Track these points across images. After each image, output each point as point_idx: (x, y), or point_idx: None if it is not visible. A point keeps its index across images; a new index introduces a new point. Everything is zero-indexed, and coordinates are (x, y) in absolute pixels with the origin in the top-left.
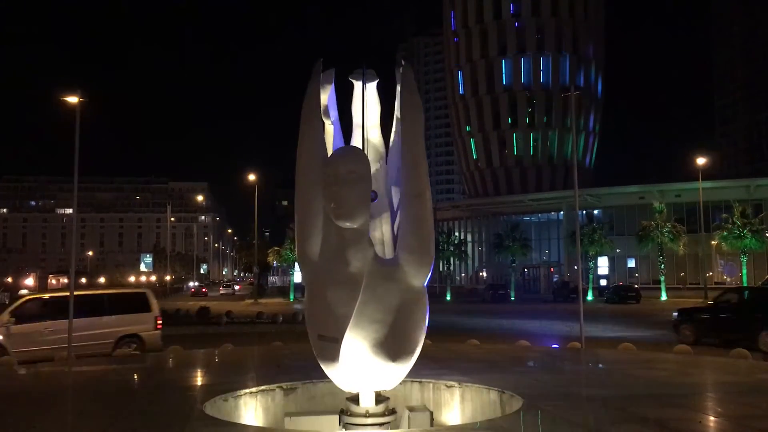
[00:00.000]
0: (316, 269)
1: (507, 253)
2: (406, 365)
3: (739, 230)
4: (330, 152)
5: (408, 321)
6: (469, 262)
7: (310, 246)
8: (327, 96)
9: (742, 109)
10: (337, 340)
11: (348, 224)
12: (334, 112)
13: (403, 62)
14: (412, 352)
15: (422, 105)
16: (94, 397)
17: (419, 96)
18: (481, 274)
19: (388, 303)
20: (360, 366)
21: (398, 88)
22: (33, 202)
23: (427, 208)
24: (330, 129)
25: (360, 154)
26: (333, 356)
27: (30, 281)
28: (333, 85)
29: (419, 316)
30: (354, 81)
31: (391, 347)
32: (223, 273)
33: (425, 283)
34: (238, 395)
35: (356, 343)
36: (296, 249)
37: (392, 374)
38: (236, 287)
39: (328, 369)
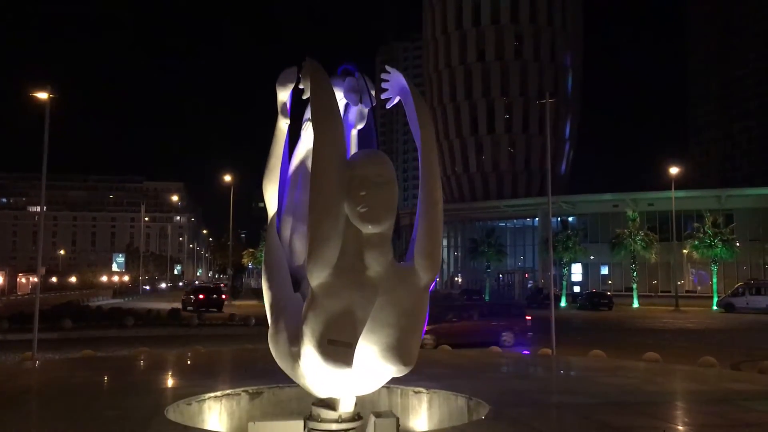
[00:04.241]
0: (330, 273)
1: (482, 258)
2: (410, 368)
3: (710, 239)
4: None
5: (415, 324)
6: (445, 267)
7: (328, 249)
8: (287, 94)
9: (716, 120)
10: (351, 345)
11: (371, 228)
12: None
13: (387, 68)
14: (416, 356)
15: None
16: (57, 398)
17: None
18: (456, 279)
19: (402, 306)
20: (366, 370)
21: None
22: (4, 199)
23: (441, 214)
24: (285, 128)
25: (385, 158)
26: (346, 361)
27: None
28: (293, 84)
29: (423, 319)
30: (351, 103)
31: (401, 351)
32: (198, 274)
33: (431, 287)
34: (202, 399)
35: (367, 347)
36: (309, 252)
37: (385, 378)
38: (221, 285)
39: (328, 372)
